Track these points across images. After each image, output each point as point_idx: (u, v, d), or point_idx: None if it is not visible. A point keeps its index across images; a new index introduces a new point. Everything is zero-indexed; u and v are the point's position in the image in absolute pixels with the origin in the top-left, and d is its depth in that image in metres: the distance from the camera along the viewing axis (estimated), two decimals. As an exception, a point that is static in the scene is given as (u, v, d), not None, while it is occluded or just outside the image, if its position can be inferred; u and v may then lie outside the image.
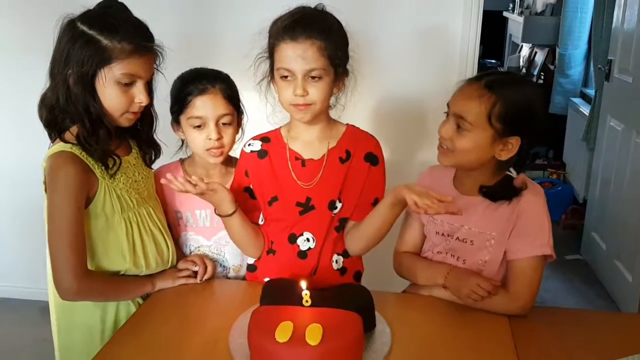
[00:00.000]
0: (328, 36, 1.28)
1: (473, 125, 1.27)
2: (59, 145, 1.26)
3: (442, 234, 1.41)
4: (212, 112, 1.46)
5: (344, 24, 1.35)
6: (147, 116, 1.40)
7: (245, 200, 1.45)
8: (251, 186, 1.45)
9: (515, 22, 5.15)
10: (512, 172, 1.34)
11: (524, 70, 4.89)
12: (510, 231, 1.31)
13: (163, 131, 1.50)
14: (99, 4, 1.28)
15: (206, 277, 1.46)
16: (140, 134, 1.42)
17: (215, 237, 1.56)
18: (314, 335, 1.01)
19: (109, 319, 1.35)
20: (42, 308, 1.59)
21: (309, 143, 1.41)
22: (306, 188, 1.39)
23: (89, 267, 1.30)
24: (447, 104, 1.34)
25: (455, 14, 2.26)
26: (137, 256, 1.34)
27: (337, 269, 1.44)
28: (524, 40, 4.80)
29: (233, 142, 1.53)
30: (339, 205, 1.40)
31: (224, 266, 1.57)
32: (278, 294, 1.20)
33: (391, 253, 1.52)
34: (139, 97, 1.28)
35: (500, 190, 1.33)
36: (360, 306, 1.15)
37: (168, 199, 1.56)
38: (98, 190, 1.28)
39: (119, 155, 1.32)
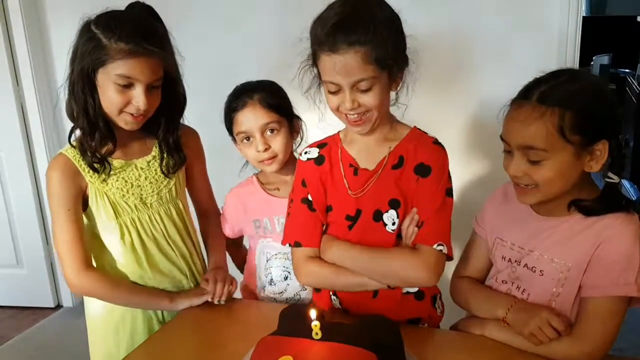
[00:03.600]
0: (374, 36, 1.11)
1: (548, 150, 1.06)
2: (63, 148, 1.31)
3: (509, 260, 1.21)
4: (254, 123, 1.44)
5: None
6: (166, 123, 1.37)
7: (305, 214, 1.32)
8: (309, 196, 1.31)
9: (650, 26, 4.62)
10: (614, 178, 1.12)
11: (657, 79, 4.34)
12: (588, 261, 1.09)
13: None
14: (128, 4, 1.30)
15: (223, 298, 1.38)
16: (159, 140, 1.40)
17: None
18: (313, 374, 0.88)
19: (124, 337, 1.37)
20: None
21: (366, 147, 1.28)
22: (354, 197, 1.26)
23: (97, 266, 1.33)
24: (502, 137, 1.15)
25: (552, 13, 2.03)
26: (138, 259, 1.34)
27: (410, 292, 1.30)
28: (657, 45, 4.28)
29: (287, 148, 1.48)
30: (387, 217, 1.24)
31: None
32: (294, 322, 1.07)
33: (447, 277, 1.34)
34: (137, 100, 1.24)
35: (604, 201, 1.10)
36: (383, 344, 0.99)
37: (242, 215, 1.56)
38: (89, 193, 1.30)
39: (109, 162, 1.31)
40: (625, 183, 3.56)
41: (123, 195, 1.32)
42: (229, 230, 1.60)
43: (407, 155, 1.24)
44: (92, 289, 1.32)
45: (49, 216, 2.85)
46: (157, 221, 1.37)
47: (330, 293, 1.35)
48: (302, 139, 1.54)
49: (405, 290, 1.29)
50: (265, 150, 1.44)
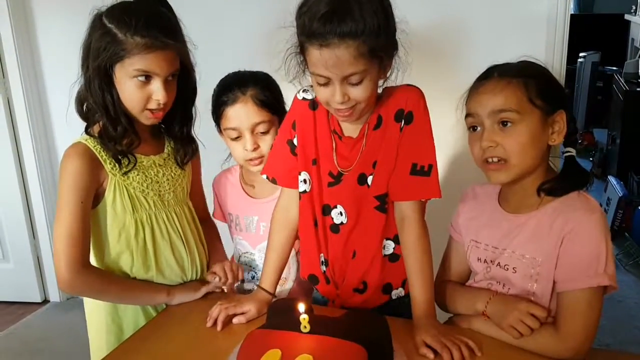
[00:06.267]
0: (365, 28, 1.06)
1: (520, 112, 1.10)
2: (79, 137, 1.26)
3: (484, 261, 1.22)
4: (246, 121, 1.39)
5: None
6: (181, 113, 1.35)
7: (285, 154, 1.31)
8: (295, 141, 1.29)
9: (637, 24, 4.65)
10: (571, 151, 1.16)
11: (643, 77, 4.37)
12: (557, 256, 1.10)
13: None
14: None
15: (232, 284, 1.37)
16: (174, 131, 1.37)
17: (260, 246, 1.50)
18: (301, 367, 0.88)
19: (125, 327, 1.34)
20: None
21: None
22: (340, 169, 1.25)
23: (97, 264, 1.29)
24: (469, 114, 1.16)
25: (541, 10, 2.05)
26: (148, 259, 1.30)
27: (387, 255, 1.29)
28: (643, 43, 4.32)
29: None
30: (370, 179, 1.23)
31: None
32: (282, 315, 1.08)
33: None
34: (156, 95, 1.22)
35: (568, 177, 1.14)
36: (372, 337, 1.00)
37: (222, 201, 1.56)
38: (108, 185, 1.25)
39: (134, 155, 1.28)
40: (612, 179, 3.60)
41: (143, 190, 1.29)
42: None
43: (384, 111, 1.21)
44: (83, 290, 1.28)
45: (36, 210, 2.90)
46: (173, 220, 1.35)
47: (320, 261, 1.33)
48: None
49: (385, 252, 1.28)
50: (254, 149, 1.39)
